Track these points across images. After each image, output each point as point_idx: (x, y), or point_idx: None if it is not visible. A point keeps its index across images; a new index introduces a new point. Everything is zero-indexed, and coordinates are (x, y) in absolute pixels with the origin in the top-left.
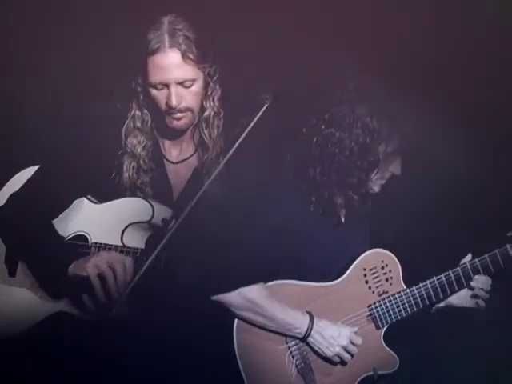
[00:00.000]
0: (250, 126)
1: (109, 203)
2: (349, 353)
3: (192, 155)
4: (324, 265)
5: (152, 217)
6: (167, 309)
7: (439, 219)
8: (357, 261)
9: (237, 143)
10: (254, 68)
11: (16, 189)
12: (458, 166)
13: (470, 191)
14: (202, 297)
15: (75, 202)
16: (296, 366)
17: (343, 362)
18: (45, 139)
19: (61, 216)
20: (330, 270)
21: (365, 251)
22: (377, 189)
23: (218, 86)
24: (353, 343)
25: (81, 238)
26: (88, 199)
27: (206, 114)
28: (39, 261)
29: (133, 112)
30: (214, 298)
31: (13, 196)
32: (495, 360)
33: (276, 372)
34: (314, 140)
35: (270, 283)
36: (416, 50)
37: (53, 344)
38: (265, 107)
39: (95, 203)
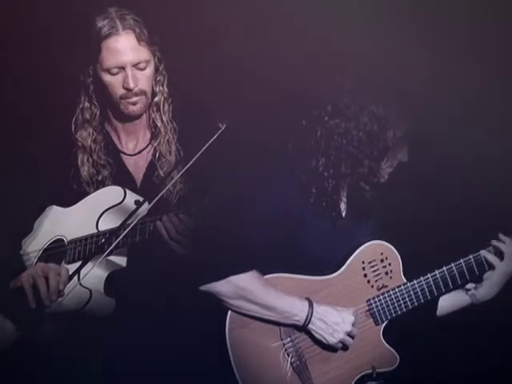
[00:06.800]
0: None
1: (80, 202)
2: (351, 337)
3: (148, 144)
4: (322, 257)
5: (124, 198)
6: (157, 303)
7: (442, 211)
8: (355, 253)
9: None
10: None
11: None
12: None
13: (475, 183)
14: (196, 290)
15: (46, 210)
16: (291, 364)
17: (345, 348)
18: None
19: (35, 226)
20: (329, 263)
21: (364, 243)
22: (386, 177)
23: (165, 72)
24: (354, 326)
25: (59, 242)
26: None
27: (156, 99)
28: None
29: (81, 105)
30: (203, 288)
31: None
32: (496, 357)
33: (270, 370)
34: (318, 133)
35: (265, 276)
36: (419, 32)
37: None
38: (218, 133)
39: (66, 207)
